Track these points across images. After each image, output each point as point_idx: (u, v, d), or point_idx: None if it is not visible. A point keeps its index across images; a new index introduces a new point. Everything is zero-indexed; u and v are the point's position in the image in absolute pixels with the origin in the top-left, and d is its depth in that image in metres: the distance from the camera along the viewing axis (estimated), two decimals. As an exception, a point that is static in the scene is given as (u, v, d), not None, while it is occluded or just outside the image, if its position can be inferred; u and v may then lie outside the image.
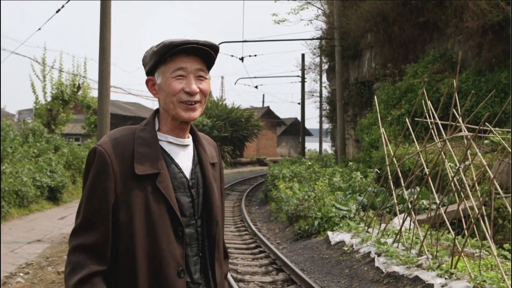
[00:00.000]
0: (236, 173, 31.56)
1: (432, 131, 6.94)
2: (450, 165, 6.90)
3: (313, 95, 37.12)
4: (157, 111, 1.80)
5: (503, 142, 6.35)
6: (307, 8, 26.79)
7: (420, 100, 7.92)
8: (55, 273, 7.24)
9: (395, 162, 7.96)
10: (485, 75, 12.30)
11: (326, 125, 32.12)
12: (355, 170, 14.23)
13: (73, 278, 1.60)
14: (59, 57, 32.48)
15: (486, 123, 6.06)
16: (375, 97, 10.57)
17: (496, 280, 5.13)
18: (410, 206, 7.15)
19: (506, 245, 6.83)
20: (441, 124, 6.91)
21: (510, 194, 6.91)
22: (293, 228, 10.58)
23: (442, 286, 5.41)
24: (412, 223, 7.28)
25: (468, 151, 6.13)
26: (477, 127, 6.01)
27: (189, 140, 1.81)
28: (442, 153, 6.69)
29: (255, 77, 40.18)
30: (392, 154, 8.07)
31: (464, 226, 6.18)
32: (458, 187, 6.55)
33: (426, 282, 5.64)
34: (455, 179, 6.34)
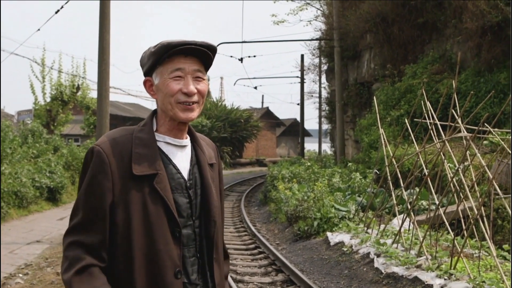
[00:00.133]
0: (236, 173, 31.56)
1: (431, 131, 6.94)
2: (449, 166, 6.90)
3: (312, 95, 37.18)
4: (155, 111, 1.80)
5: (502, 142, 6.35)
6: (306, 9, 26.82)
7: (419, 100, 7.92)
8: (54, 274, 7.23)
9: (394, 163, 7.96)
10: (484, 76, 12.31)
11: (325, 126, 32.17)
12: (355, 170, 14.23)
13: (70, 271, 1.59)
14: (58, 57, 32.53)
15: (485, 124, 6.07)
16: (374, 97, 10.57)
17: (495, 280, 5.14)
18: (409, 206, 7.15)
19: (505, 246, 6.84)
20: (440, 124, 6.91)
21: (509, 195, 6.92)
22: (293, 229, 10.57)
23: (442, 286, 5.42)
24: (411, 223, 7.28)
25: (467, 151, 6.12)
26: (476, 127, 6.01)
27: (187, 141, 1.81)
28: (442, 153, 6.70)
29: (254, 78, 40.32)
30: (392, 154, 8.08)
31: (464, 227, 6.18)
32: (457, 187, 6.56)
33: (426, 283, 5.64)
34: (454, 179, 6.34)
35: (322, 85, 31.18)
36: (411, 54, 15.94)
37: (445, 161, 6.68)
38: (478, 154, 5.94)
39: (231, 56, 25.39)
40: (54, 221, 12.07)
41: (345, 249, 7.99)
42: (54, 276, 7.08)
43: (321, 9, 25.30)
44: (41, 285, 6.75)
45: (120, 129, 1.76)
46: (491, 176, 5.52)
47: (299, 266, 7.79)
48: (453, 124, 6.58)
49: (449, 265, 5.72)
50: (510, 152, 6.00)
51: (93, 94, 24.38)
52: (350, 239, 8.36)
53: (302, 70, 30.13)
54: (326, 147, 35.21)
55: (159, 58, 1.71)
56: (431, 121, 7.01)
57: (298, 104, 33.22)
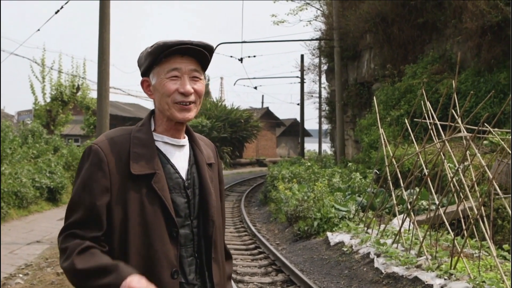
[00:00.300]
0: (236, 174, 31.56)
1: (431, 131, 6.94)
2: (449, 166, 6.90)
3: (312, 96, 37.18)
4: (153, 112, 1.80)
5: (502, 142, 6.35)
6: (306, 9, 26.81)
7: (419, 100, 7.92)
8: (54, 274, 7.23)
9: (394, 163, 7.96)
10: (484, 76, 12.31)
11: (325, 126, 32.17)
12: (355, 170, 14.23)
13: (71, 256, 1.56)
14: (58, 58, 32.54)
15: (485, 124, 6.06)
16: (374, 97, 10.57)
17: (495, 280, 5.13)
18: (409, 206, 7.15)
19: (505, 246, 6.83)
20: (440, 124, 6.91)
21: (509, 195, 6.91)
22: (293, 229, 10.57)
23: (442, 286, 5.41)
24: (411, 223, 7.28)
25: (467, 151, 6.12)
26: (476, 127, 6.01)
27: (185, 141, 1.81)
28: (441, 153, 6.69)
29: (254, 78, 40.30)
30: (392, 154, 8.07)
31: (464, 227, 6.18)
32: (457, 187, 6.55)
33: (426, 283, 5.64)
34: (454, 179, 6.34)
35: (322, 85, 31.22)
36: (411, 54, 15.94)
37: (445, 161, 6.67)
38: (478, 154, 5.94)
39: (231, 56, 25.42)
40: (54, 221, 12.06)
41: (345, 249, 7.98)
42: (55, 277, 7.08)
43: (321, 9, 25.31)
44: (41, 286, 6.74)
45: (118, 129, 1.77)
46: (491, 176, 5.52)
47: (299, 266, 7.79)
48: (453, 124, 6.58)
49: (449, 265, 5.71)
50: (510, 152, 6.00)
51: (93, 94, 24.39)
52: (350, 239, 8.36)
53: (302, 70, 30.13)
54: (326, 147, 35.22)
55: (156, 58, 1.70)
56: (431, 121, 7.00)
57: (298, 104, 33.23)
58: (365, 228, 8.71)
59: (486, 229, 5.42)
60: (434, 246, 6.56)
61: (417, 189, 7.90)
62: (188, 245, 1.71)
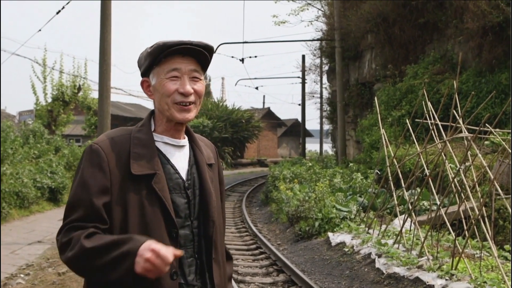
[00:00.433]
0: (237, 174, 31.55)
1: (433, 132, 6.93)
2: (450, 166, 6.89)
3: (313, 96, 37.12)
4: (152, 112, 1.80)
5: (504, 143, 6.34)
6: (308, 9, 26.82)
7: (420, 101, 7.92)
8: (55, 274, 7.23)
9: (396, 163, 7.95)
10: (485, 76, 12.29)
11: (326, 126, 32.15)
12: (356, 171, 14.20)
13: (77, 244, 1.53)
14: (59, 58, 32.47)
15: (487, 124, 6.05)
16: (376, 98, 10.57)
17: (496, 281, 5.13)
18: (410, 207, 7.14)
19: (507, 246, 6.82)
20: (442, 125, 6.90)
21: (511, 195, 6.90)
22: (294, 229, 10.57)
23: (443, 287, 5.41)
24: (412, 224, 7.27)
25: (469, 152, 6.12)
26: (477, 128, 6.00)
27: (185, 141, 1.80)
28: (443, 154, 6.69)
29: (255, 78, 40.16)
30: (393, 155, 8.07)
31: (465, 227, 6.18)
32: (459, 188, 6.54)
33: (427, 283, 5.63)
34: (455, 180, 6.33)
35: (323, 86, 31.16)
36: (412, 55, 15.93)
37: (446, 161, 6.67)
38: (479, 155, 5.93)
39: (232, 57, 25.42)
40: (56, 222, 12.07)
41: (346, 250, 7.98)
42: (56, 277, 7.08)
43: (322, 9, 25.32)
44: (42, 286, 6.75)
45: (118, 129, 1.76)
46: (492, 177, 5.51)
47: (300, 267, 7.79)
48: (454, 124, 6.58)
49: (451, 265, 5.71)
50: (511, 152, 5.99)
51: (94, 94, 24.42)
52: (352, 239, 8.35)
53: (303, 71, 30.11)
54: (328, 147, 35.22)
55: (156, 59, 1.70)
56: (432, 121, 7.00)
57: (299, 104, 33.18)
58: (366, 229, 8.71)
59: (487, 230, 5.42)
60: (436, 246, 6.56)
61: (418, 190, 7.89)
62: (188, 245, 1.71)
